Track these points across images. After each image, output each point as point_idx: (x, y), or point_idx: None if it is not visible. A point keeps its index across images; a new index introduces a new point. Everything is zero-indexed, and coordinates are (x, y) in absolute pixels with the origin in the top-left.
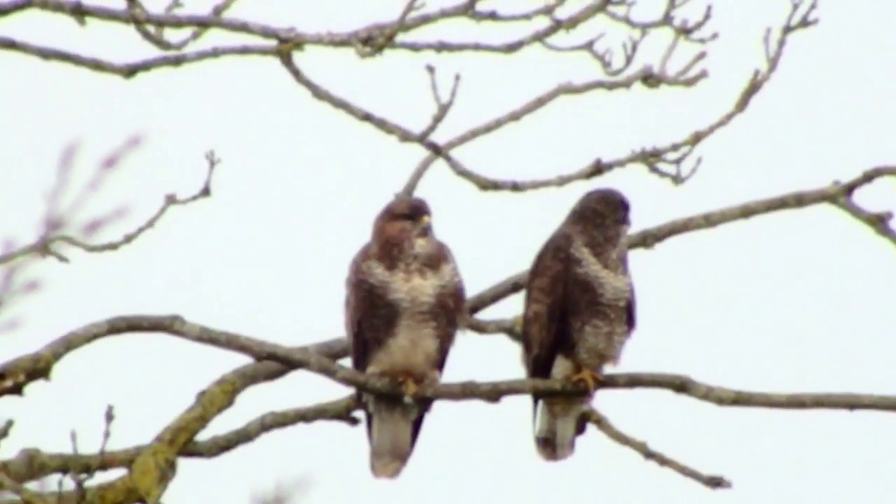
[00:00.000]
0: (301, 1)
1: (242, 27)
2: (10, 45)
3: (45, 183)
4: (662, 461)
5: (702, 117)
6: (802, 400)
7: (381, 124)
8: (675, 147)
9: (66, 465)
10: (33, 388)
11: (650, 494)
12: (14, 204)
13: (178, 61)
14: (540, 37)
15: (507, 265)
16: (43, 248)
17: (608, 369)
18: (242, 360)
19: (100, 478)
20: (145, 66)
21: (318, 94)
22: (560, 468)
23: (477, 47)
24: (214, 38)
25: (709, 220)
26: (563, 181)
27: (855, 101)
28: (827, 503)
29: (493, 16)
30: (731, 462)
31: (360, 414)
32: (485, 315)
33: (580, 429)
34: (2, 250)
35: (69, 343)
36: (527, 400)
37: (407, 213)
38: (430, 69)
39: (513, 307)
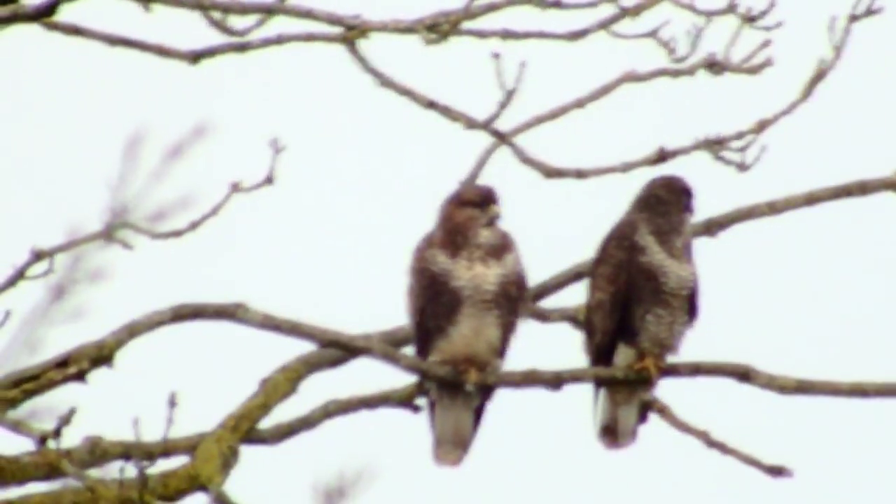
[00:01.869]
0: None
1: (308, 14)
2: (76, 30)
3: (111, 171)
4: (724, 450)
5: (767, 105)
6: (865, 388)
7: (446, 111)
8: (739, 135)
9: (128, 452)
10: (96, 375)
11: (712, 483)
12: (79, 192)
13: (243, 48)
14: (605, 24)
15: (571, 253)
16: (108, 235)
17: (668, 358)
18: (305, 348)
19: (162, 465)
20: (210, 52)
21: (384, 81)
22: (622, 456)
23: (542, 35)
24: (279, 24)
25: (773, 208)
26: (627, 168)
27: None
28: (890, 492)
29: (557, 3)
30: (794, 451)
31: (422, 401)
32: (548, 303)
33: (642, 417)
34: (67, 238)
35: (132, 330)
36: (589, 388)
37: (476, 201)
38: (496, 56)
39: (576, 295)
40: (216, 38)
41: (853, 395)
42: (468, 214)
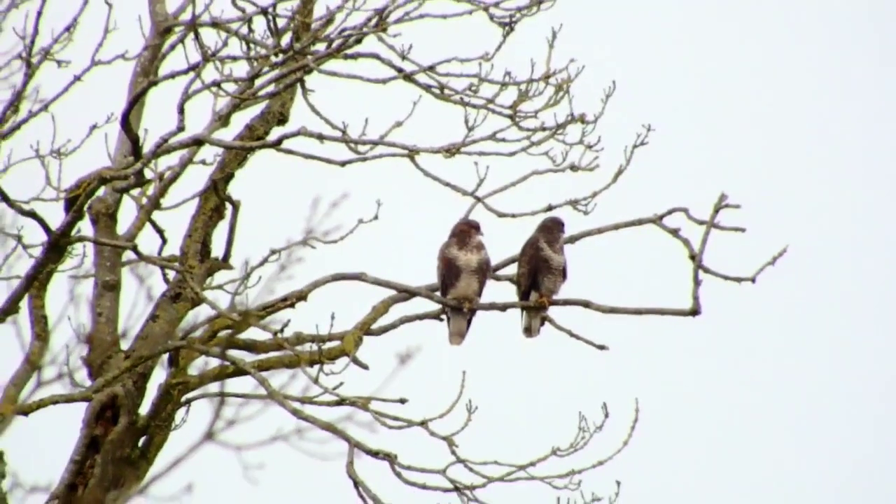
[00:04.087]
0: (417, 131)
1: (392, 144)
2: (290, 151)
3: (304, 214)
4: (578, 337)
5: (597, 184)
6: (639, 310)
7: (454, 187)
8: (585, 198)
9: (314, 339)
10: (300, 306)
11: (574, 352)
12: (293, 223)
13: (364, 159)
14: (524, 149)
15: (510, 250)
16: (304, 242)
17: (554, 297)
18: (391, 293)
19: (328, 344)
20: (350, 161)
21: (426, 174)
22: (533, 342)
23: (497, 154)
24: (381, 149)
25: (600, 230)
26: (534, 213)
27: (672, 174)
28: (648, 361)
29: (503, 140)
30: (611, 339)
31: (444, 316)
32: (500, 273)
33: (542, 323)
34: (286, 243)
35: (315, 284)
36: (517, 311)
37: (469, 226)
38: (475, 163)
39: (512, 269)
40: (351, 154)
41: (633, 313)
42: (467, 231)
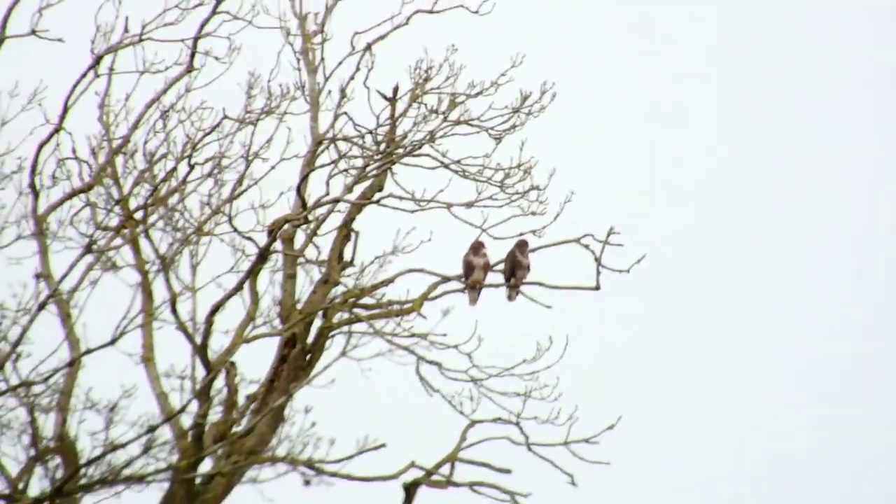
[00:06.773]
0: (451, 194)
1: (438, 201)
2: (384, 206)
3: (391, 237)
4: (536, 301)
5: (546, 222)
6: (567, 286)
7: (471, 224)
8: (539, 229)
9: (399, 302)
10: (391, 286)
11: (534, 309)
12: (385, 241)
13: (423, 209)
14: (507, 204)
15: (500, 255)
16: (392, 253)
17: (524, 281)
18: (438, 279)
19: (406, 305)
20: (416, 210)
21: (457, 217)
22: (512, 304)
23: (493, 206)
24: (433, 203)
25: (548, 246)
26: (512, 237)
27: (585, 216)
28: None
29: (497, 199)
30: (555, 302)
31: (466, 291)
32: (495, 268)
33: (517, 294)
34: (382, 253)
35: (398, 273)
36: (504, 288)
37: (480, 243)
38: (482, 211)
39: (500, 266)
40: (416, 206)
41: (567, 288)
42: (477, 247)
